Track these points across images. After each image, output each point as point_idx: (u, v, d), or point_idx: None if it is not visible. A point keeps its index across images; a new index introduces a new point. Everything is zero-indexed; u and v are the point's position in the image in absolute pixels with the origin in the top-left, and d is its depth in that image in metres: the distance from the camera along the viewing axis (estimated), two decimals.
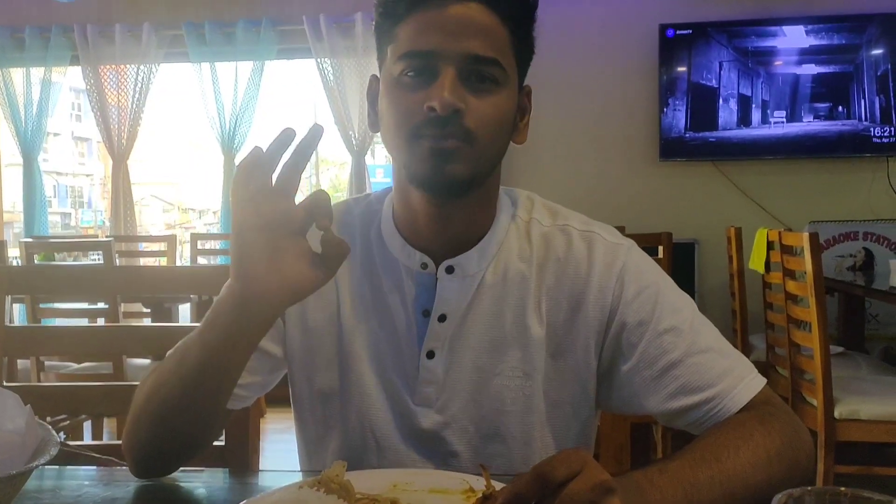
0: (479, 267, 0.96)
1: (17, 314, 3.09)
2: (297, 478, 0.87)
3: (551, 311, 0.96)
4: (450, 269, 0.96)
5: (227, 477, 1.00)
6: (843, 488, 0.54)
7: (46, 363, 3.07)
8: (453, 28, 0.87)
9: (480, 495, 0.70)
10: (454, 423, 0.97)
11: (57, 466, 0.99)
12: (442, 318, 0.96)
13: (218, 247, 4.47)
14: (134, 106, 4.52)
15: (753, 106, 4.04)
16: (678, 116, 4.06)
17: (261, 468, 1.32)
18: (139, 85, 4.50)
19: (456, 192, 0.91)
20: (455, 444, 0.97)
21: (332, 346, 0.99)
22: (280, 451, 3.29)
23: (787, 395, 2.58)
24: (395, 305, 0.98)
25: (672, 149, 4.07)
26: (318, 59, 4.32)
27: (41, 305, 2.98)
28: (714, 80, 4.05)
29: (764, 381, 0.94)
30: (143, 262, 4.48)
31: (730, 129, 4.04)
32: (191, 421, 0.90)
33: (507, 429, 0.97)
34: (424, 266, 0.97)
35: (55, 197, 13.44)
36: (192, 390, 0.87)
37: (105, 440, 2.95)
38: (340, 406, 0.99)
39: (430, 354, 0.96)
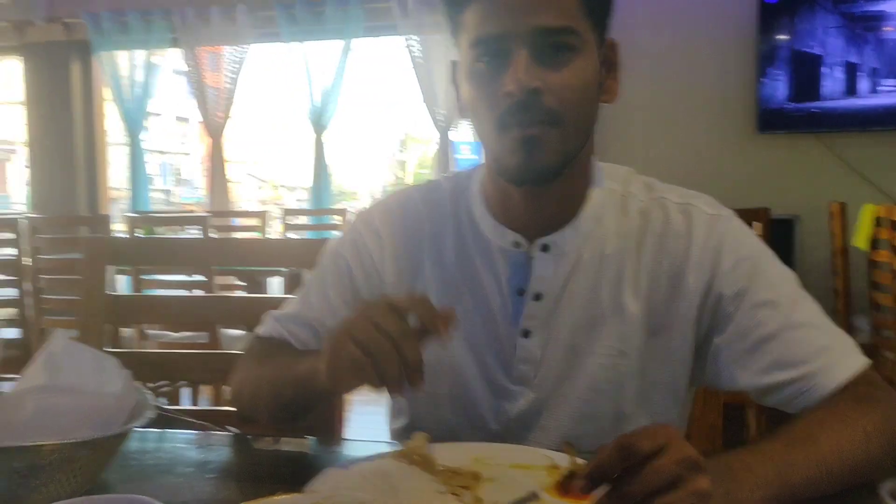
0: (575, 244, 0.95)
1: (122, 285, 3.26)
2: (382, 448, 0.88)
3: (651, 289, 0.94)
4: (545, 248, 0.95)
5: (313, 445, 1.02)
6: None
7: (149, 332, 3.24)
8: (518, 5, 0.85)
9: (566, 472, 0.68)
10: (549, 402, 0.96)
11: (158, 430, 1.04)
12: (538, 297, 0.95)
13: (308, 222, 4.60)
14: (229, 86, 4.65)
15: (861, 74, 3.80)
16: (778, 87, 3.87)
17: (346, 438, 1.34)
18: (234, 65, 4.62)
19: (548, 181, 0.90)
20: (547, 422, 0.96)
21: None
22: (366, 423, 3.35)
23: (894, 379, 2.46)
24: (489, 285, 0.97)
25: (771, 121, 3.88)
26: (405, 36, 4.33)
27: (143, 277, 3.13)
28: (818, 48, 3.83)
29: (867, 361, 0.89)
30: (237, 236, 4.65)
31: (835, 99, 3.82)
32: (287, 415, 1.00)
33: (599, 408, 0.95)
34: (517, 245, 0.96)
35: (159, 175, 14.06)
36: (288, 405, 0.97)
37: (202, 406, 3.08)
38: (432, 385, 0.99)
39: (526, 333, 0.96)
